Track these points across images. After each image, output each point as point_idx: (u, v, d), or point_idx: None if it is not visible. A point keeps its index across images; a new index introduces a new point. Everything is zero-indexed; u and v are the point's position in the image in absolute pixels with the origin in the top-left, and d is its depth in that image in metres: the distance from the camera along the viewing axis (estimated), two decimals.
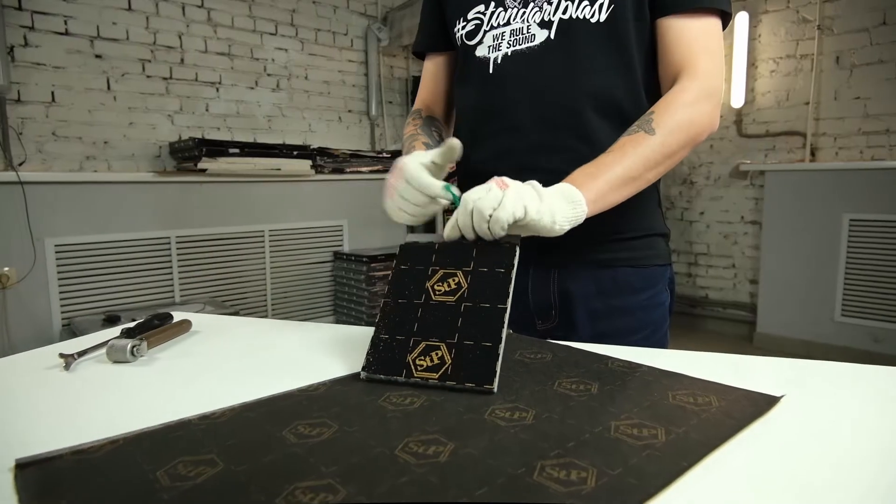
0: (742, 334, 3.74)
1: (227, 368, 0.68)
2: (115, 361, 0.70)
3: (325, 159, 3.21)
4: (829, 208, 3.22)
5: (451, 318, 0.62)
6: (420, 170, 0.68)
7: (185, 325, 0.86)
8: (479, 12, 0.87)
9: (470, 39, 0.88)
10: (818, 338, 3.29)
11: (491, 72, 0.85)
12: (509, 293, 0.62)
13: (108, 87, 2.72)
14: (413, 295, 0.65)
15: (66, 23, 2.58)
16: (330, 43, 3.50)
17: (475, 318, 0.61)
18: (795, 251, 3.35)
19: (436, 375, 0.58)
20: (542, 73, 0.82)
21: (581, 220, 0.67)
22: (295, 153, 3.05)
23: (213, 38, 3.03)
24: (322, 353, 0.73)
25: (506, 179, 0.65)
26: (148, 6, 2.80)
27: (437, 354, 0.60)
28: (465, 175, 0.92)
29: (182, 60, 2.93)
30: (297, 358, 0.71)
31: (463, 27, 0.89)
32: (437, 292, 0.64)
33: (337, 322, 3.43)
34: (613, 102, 0.81)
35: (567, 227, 0.66)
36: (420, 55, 1.03)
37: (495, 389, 0.56)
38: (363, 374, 0.62)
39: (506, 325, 0.60)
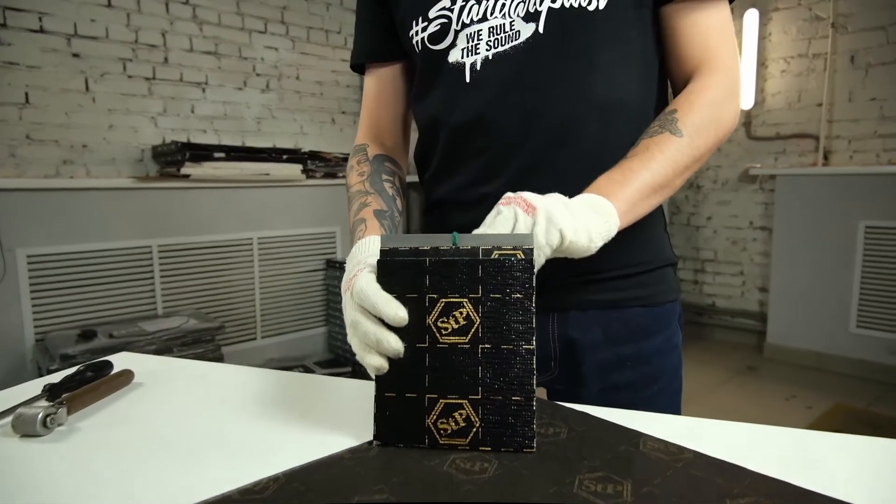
0: (751, 344, 3.61)
1: (160, 446, 0.55)
2: (24, 435, 0.56)
3: (317, 163, 3.07)
4: (844, 215, 3.08)
5: (469, 366, 0.51)
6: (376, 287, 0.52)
7: (124, 378, 0.72)
8: (444, 9, 0.70)
9: (435, 43, 0.72)
10: (832, 350, 3.16)
11: (468, 80, 0.70)
12: (533, 328, 0.51)
13: (87, 88, 2.58)
14: (414, 335, 0.52)
15: (40, 20, 2.44)
16: (322, 41, 3.36)
17: (498, 365, 0.51)
18: (808, 259, 3.22)
19: (465, 441, 0.51)
20: (533, 77, 0.67)
21: (613, 234, 0.58)
22: (285, 157, 2.91)
23: (199, 36, 2.89)
24: (286, 419, 0.59)
25: (526, 196, 0.55)
26: (129, 3, 2.66)
27: (461, 415, 0.51)
28: (438, 204, 0.78)
29: (166, 60, 2.79)
30: (253, 428, 0.58)
31: (423, 28, 0.72)
32: (444, 331, 0.52)
33: (329, 333, 3.29)
34: (622, 107, 0.69)
35: (600, 245, 0.57)
36: (359, 69, 0.84)
37: (535, 448, 0.50)
38: (375, 444, 0.52)
39: (535, 372, 0.51)
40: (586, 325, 0.72)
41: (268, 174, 2.83)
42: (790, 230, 3.28)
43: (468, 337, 0.51)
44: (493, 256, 0.52)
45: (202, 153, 2.62)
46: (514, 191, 0.71)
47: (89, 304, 2.48)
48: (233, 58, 3.02)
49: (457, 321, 0.52)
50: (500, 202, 0.57)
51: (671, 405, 0.75)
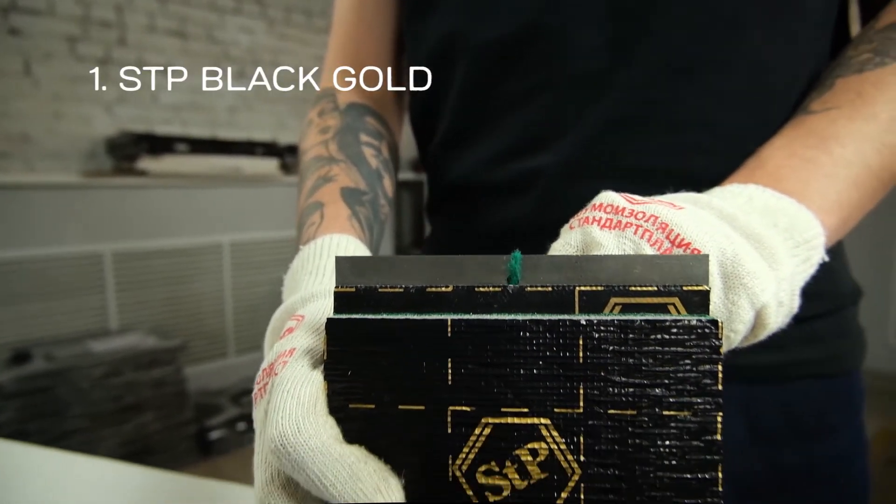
0: None
1: None
2: None
3: (297, 158, 2.74)
4: (877, 215, 2.80)
5: None
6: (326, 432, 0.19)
7: None
8: None
9: None
10: (868, 363, 2.87)
11: None
12: (719, 492, 0.18)
13: (28, 71, 2.23)
14: (419, 493, 0.20)
15: None
16: (303, 24, 3.04)
17: None
18: None
19: None
20: None
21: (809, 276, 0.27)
22: (260, 151, 2.58)
23: (161, 13, 2.55)
24: None
25: (664, 215, 0.23)
26: None
27: None
28: (453, 192, 0.45)
29: (122, 40, 2.45)
30: None
31: None
32: (492, 494, 0.19)
33: None
34: (798, 9, 0.37)
35: None
36: None
37: None
38: None
39: None
40: None
41: (240, 170, 2.50)
42: None
43: None
44: (610, 312, 0.20)
45: (161, 145, 2.29)
46: (584, 168, 0.39)
47: (25, 320, 2.13)
48: (201, 40, 2.68)
49: (523, 471, 0.19)
50: (587, 216, 0.24)
51: None
